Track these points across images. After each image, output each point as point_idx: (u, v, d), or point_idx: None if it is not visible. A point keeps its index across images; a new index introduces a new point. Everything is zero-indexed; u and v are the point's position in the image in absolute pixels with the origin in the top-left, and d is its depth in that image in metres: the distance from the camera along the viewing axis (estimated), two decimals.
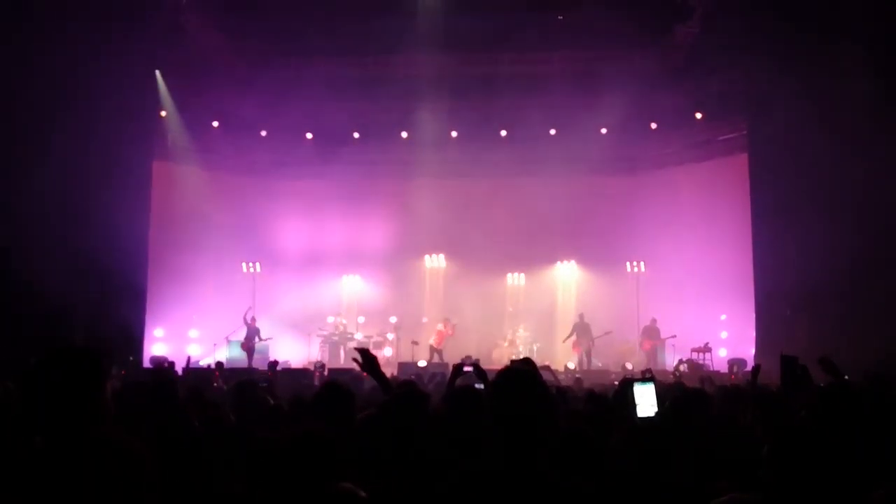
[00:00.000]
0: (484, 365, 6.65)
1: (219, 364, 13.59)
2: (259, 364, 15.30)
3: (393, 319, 18.98)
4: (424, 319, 18.75)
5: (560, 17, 16.78)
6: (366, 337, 18.72)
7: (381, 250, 19.97)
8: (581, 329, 17.56)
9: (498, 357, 18.17)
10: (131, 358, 14.05)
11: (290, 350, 18.42)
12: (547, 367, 10.41)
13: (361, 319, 19.02)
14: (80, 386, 2.28)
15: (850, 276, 13.42)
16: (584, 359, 17.33)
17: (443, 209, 19.28)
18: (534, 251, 19.88)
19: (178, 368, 11.36)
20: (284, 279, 19.39)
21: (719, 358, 16.72)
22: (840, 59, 12.54)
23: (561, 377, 11.77)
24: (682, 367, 15.59)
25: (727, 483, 3.12)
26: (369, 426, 3.39)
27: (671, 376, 13.33)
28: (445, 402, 3.68)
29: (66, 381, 2.27)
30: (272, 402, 5.44)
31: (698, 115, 17.75)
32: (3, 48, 11.57)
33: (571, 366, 16.94)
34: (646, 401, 3.25)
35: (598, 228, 18.69)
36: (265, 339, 17.48)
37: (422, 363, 16.04)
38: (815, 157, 13.66)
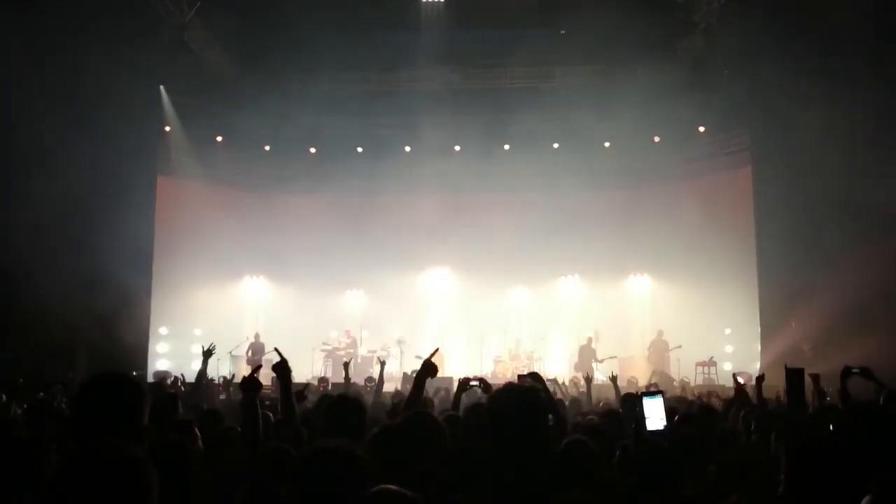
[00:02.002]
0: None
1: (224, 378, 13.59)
2: (264, 380, 15.25)
3: (397, 334, 18.94)
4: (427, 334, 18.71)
5: (563, 32, 16.85)
6: (369, 351, 18.68)
7: (385, 264, 20.01)
8: (586, 353, 17.44)
9: (501, 371, 18.09)
10: (135, 373, 14.02)
11: (293, 365, 18.30)
12: (553, 381, 10.35)
13: (365, 334, 18.98)
14: (125, 409, 2.40)
15: (856, 288, 13.39)
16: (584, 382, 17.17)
17: (446, 223, 19.33)
18: (538, 265, 19.88)
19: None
20: (288, 294, 19.35)
21: (725, 372, 16.64)
22: (844, 71, 12.56)
23: (572, 391, 11.70)
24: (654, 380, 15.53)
25: (738, 497, 3.09)
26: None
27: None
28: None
29: (114, 404, 2.40)
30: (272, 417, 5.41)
31: (701, 129, 17.77)
32: (9, 63, 11.62)
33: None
34: (655, 414, 3.21)
35: (601, 242, 18.66)
36: (269, 352, 17.45)
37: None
38: (818, 170, 13.66)
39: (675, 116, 16.74)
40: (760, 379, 6.16)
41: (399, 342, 18.73)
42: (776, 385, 10.19)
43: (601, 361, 17.21)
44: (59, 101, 12.64)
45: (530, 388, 2.65)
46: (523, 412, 2.48)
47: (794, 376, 4.92)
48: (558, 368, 18.14)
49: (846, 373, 4.88)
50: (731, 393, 10.04)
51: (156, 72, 15.47)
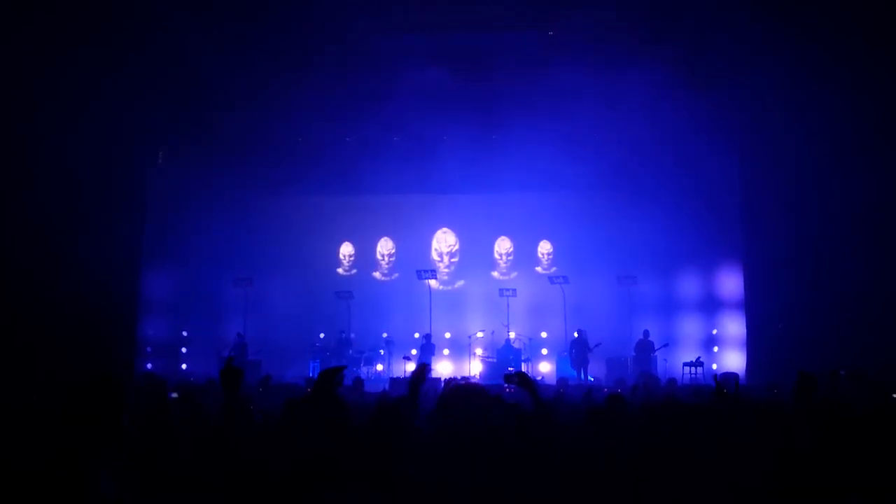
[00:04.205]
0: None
1: (210, 379, 13.55)
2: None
3: (384, 335, 18.97)
4: (416, 335, 18.74)
5: (550, 34, 16.87)
6: (357, 353, 18.69)
7: (374, 265, 20.14)
8: (578, 345, 17.52)
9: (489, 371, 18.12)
10: (120, 376, 13.94)
11: (283, 366, 18.30)
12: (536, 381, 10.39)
13: (353, 335, 18.99)
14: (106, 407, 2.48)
15: (841, 289, 13.52)
16: (582, 374, 17.30)
17: (435, 223, 19.47)
18: (526, 267, 20.01)
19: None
20: (277, 295, 19.32)
21: (712, 372, 16.75)
22: (836, 78, 12.67)
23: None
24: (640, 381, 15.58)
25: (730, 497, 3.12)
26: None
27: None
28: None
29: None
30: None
31: (691, 133, 17.78)
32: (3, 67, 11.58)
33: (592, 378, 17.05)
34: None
35: (589, 243, 18.76)
36: (252, 360, 17.42)
37: None
38: (807, 171, 13.79)
39: (664, 120, 16.78)
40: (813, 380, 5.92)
41: (387, 343, 18.78)
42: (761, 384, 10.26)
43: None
44: (45, 102, 12.56)
45: (481, 389, 2.87)
46: (471, 411, 2.65)
47: (805, 381, 4.99)
48: (546, 368, 18.27)
49: (834, 375, 4.92)
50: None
51: (144, 72, 15.36)
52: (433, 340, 18.15)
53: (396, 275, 20.22)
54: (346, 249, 20.47)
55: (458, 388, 2.99)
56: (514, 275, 19.98)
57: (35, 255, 12.39)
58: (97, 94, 13.20)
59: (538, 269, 20.06)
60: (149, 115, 15.94)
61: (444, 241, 20.43)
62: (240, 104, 16.98)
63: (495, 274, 20.18)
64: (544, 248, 20.17)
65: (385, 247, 20.41)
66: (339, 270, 20.33)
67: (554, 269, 19.79)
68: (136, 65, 14.23)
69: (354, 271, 20.29)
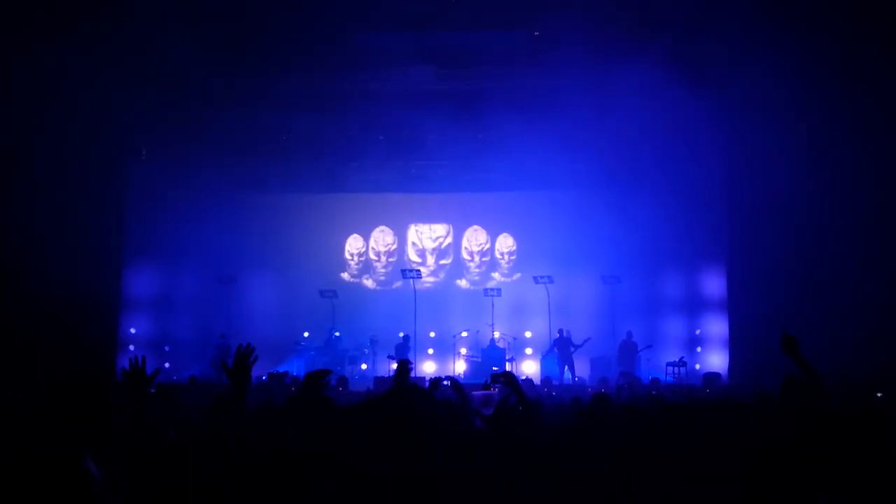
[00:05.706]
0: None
1: (191, 377, 13.51)
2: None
3: (369, 334, 18.91)
4: (401, 334, 18.70)
5: (536, 33, 16.91)
6: (341, 351, 18.62)
7: (360, 265, 20.07)
8: (561, 344, 17.57)
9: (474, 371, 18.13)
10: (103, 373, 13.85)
11: (267, 366, 18.20)
12: (528, 381, 10.44)
13: (337, 333, 18.92)
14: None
15: (825, 290, 13.63)
16: (567, 373, 17.33)
17: (420, 223, 19.43)
18: (510, 265, 20.02)
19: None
20: (260, 293, 19.22)
21: (695, 372, 16.84)
22: (824, 79, 12.76)
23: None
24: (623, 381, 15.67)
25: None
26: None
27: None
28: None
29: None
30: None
31: (677, 133, 17.84)
32: None
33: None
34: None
35: (573, 242, 18.78)
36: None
37: None
38: (791, 176, 13.88)
39: (649, 119, 16.83)
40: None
41: (372, 342, 18.72)
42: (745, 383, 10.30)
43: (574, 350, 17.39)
44: (27, 99, 12.45)
45: (426, 391, 2.95)
46: (416, 411, 2.77)
47: (790, 384, 4.97)
48: (532, 368, 18.29)
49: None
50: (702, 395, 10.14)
51: (128, 71, 15.24)
52: (410, 342, 18.12)
53: (399, 283, 19.92)
54: (354, 246, 20.30)
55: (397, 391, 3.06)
56: (492, 278, 19.97)
57: (15, 252, 12.26)
58: (80, 90, 13.07)
59: (494, 275, 20.06)
60: (132, 112, 15.83)
61: (427, 235, 20.30)
62: (225, 101, 16.91)
63: (496, 275, 20.11)
64: (504, 244, 20.16)
65: (384, 241, 20.26)
66: (344, 275, 20.16)
67: (518, 275, 19.80)
68: (120, 64, 14.12)
69: (364, 276, 20.17)
